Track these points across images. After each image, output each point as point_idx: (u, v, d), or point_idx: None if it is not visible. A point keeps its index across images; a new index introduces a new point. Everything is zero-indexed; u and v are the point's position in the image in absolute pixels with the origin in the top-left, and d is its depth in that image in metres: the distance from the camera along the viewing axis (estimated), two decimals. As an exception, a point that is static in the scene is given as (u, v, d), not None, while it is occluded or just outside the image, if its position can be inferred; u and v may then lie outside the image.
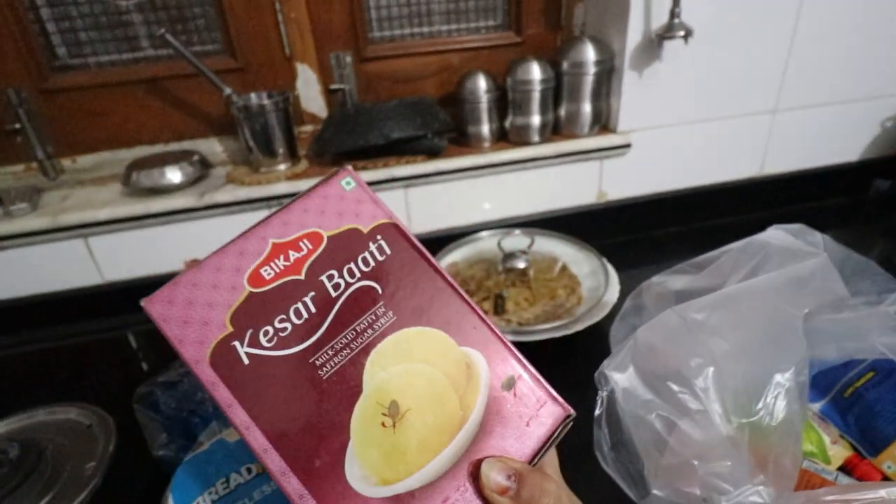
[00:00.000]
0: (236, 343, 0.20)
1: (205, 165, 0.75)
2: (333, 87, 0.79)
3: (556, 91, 0.77)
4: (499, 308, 0.64)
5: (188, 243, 0.72)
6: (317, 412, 0.20)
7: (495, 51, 0.83)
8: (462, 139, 0.80)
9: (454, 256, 0.75)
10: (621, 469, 0.28)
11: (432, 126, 0.74)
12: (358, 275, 0.22)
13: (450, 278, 0.24)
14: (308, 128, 0.81)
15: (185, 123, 0.78)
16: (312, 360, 0.21)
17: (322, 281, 0.22)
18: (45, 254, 0.69)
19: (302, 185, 0.72)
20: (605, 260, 0.69)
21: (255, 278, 0.21)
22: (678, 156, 0.84)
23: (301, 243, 0.22)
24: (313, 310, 0.21)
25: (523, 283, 0.67)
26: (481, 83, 0.75)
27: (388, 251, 0.23)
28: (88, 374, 0.63)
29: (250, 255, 0.22)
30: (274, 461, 0.19)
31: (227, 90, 0.70)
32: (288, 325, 0.21)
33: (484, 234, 0.77)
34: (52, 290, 0.72)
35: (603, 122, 0.81)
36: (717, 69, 0.78)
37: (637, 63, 0.75)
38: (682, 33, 0.69)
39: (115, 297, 0.72)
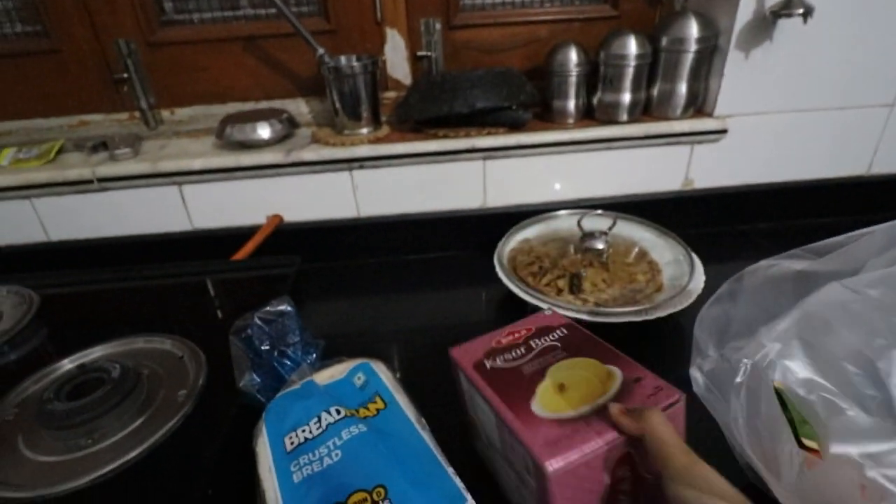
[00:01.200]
0: (485, 361, 0.39)
1: (292, 124, 0.77)
2: (420, 53, 0.78)
3: (652, 69, 0.74)
4: (574, 287, 0.62)
5: (273, 198, 0.75)
6: (519, 387, 0.36)
7: (588, 24, 0.80)
8: (546, 114, 0.78)
9: (527, 233, 0.74)
10: (756, 447, 0.26)
11: (518, 98, 0.73)
12: (549, 341, 0.41)
13: (602, 341, 0.40)
14: (391, 94, 0.82)
15: (275, 82, 0.80)
16: (520, 368, 0.38)
17: (529, 342, 0.41)
18: (143, 197, 0.74)
19: (382, 149, 0.72)
20: (689, 249, 0.66)
21: (498, 342, 0.42)
22: (777, 146, 0.78)
23: (522, 331, 0.43)
24: (524, 353, 0.40)
25: (601, 265, 0.65)
26: (572, 55, 0.72)
27: (566, 333, 0.42)
28: (175, 311, 0.67)
29: (498, 336, 0.42)
30: (501, 408, 0.34)
31: (321, 50, 0.71)
32: (511, 356, 0.40)
33: (561, 212, 0.75)
34: (147, 231, 0.76)
35: (698, 105, 0.76)
36: (835, 54, 0.72)
37: (744, 43, 0.70)
38: (801, 11, 0.64)
39: (202, 243, 0.76)
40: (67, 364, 0.54)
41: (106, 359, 0.53)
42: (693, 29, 0.70)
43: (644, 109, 0.77)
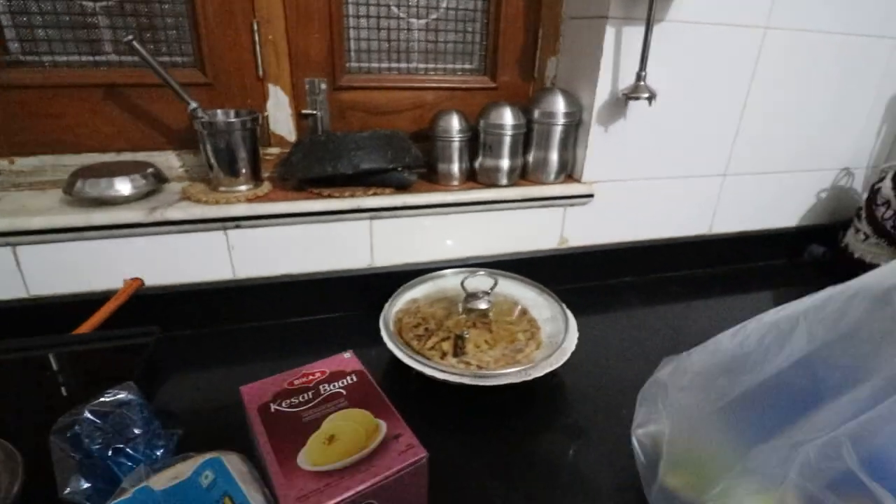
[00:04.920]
0: (272, 403, 0.42)
1: (159, 179, 0.71)
2: (306, 112, 0.77)
3: (527, 137, 0.79)
4: (458, 350, 0.63)
5: (131, 260, 0.67)
6: (294, 436, 0.39)
7: (470, 93, 0.84)
8: (431, 176, 0.80)
9: (415, 293, 0.74)
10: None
11: (403, 160, 0.74)
12: (337, 387, 0.44)
13: (382, 394, 0.44)
14: (275, 150, 0.79)
15: (143, 134, 0.74)
16: (301, 413, 0.41)
17: (319, 387, 0.44)
18: (-37, 260, 0.63)
19: (262, 208, 0.69)
20: (565, 306, 0.69)
21: (290, 383, 0.44)
22: (636, 209, 0.87)
23: (316, 374, 0.46)
24: (310, 398, 0.43)
25: (484, 325, 0.67)
26: (455, 122, 0.76)
27: (355, 380, 0.45)
28: (1, 399, 0.56)
29: (292, 376, 0.45)
30: (269, 457, 0.37)
31: (193, 104, 0.67)
32: (297, 400, 0.43)
33: (447, 272, 0.76)
34: (-34, 300, 0.64)
35: (568, 172, 0.83)
36: (676, 132, 0.83)
37: (604, 118, 0.78)
38: (646, 95, 0.73)
39: (39, 313, 0.66)
40: None
41: None
42: (561, 104, 0.77)
43: (522, 174, 0.82)
